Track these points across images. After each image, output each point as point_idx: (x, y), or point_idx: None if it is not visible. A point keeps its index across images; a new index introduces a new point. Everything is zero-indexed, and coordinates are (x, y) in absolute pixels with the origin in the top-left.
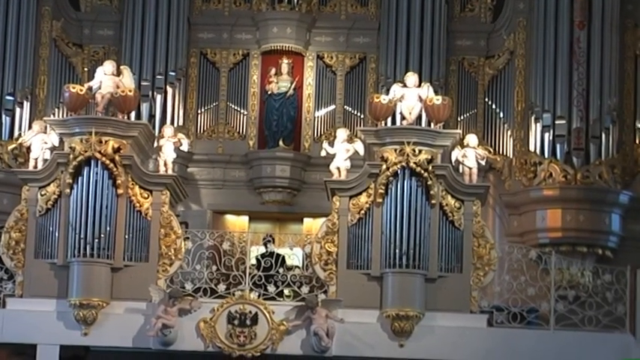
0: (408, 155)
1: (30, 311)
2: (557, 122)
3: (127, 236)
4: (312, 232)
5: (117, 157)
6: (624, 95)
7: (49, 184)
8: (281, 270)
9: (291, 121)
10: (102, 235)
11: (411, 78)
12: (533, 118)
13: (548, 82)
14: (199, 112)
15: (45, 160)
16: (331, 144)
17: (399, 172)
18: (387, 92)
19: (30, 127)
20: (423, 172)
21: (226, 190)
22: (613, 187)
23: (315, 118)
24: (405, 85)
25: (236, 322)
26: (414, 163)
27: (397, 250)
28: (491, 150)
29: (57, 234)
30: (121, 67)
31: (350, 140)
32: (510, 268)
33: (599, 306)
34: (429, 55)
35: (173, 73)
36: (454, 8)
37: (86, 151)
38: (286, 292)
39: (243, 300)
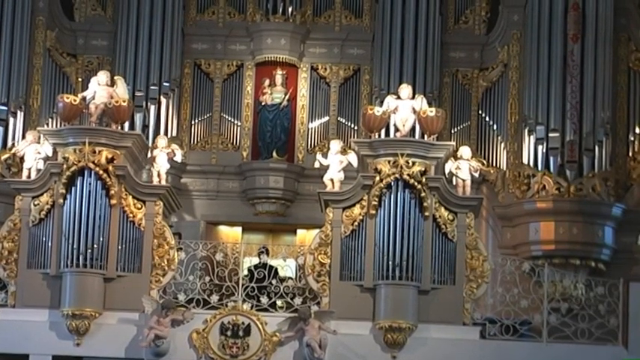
0: (401, 167)
1: (22, 321)
2: (550, 135)
3: (120, 247)
4: (306, 244)
5: (110, 168)
6: (617, 108)
7: (42, 194)
8: (274, 281)
9: (285, 133)
10: (95, 246)
11: (405, 90)
12: (526, 130)
13: (541, 95)
14: (193, 122)
15: (38, 170)
16: (325, 155)
17: (392, 183)
18: (381, 104)
19: (23, 137)
20: (416, 184)
21: (220, 201)
22: (606, 200)
23: (308, 129)
24: (398, 97)
25: (229, 333)
26: (408, 175)
27: (390, 262)
28: (485, 162)
29: (50, 244)
30: (115, 77)
31: (343, 152)
32: (503, 280)
33: (591, 318)
34: (422, 67)
35: (167, 84)
36: (448, 20)
37: (79, 161)
38: (279, 303)
39: (235, 311)
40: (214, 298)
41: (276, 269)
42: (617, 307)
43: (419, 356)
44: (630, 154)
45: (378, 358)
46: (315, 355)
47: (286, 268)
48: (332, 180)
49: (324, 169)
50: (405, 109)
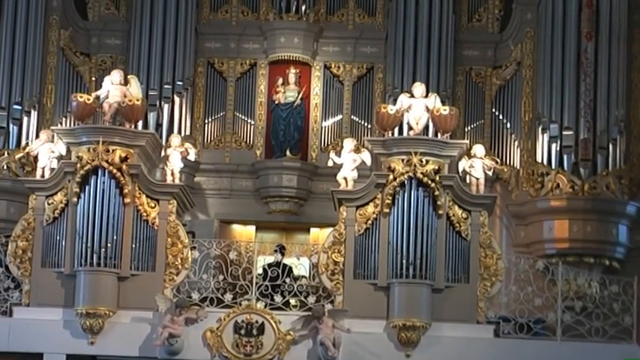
0: (415, 165)
1: (36, 320)
2: (564, 133)
3: (133, 245)
4: (319, 242)
5: (124, 167)
6: (631, 106)
7: (56, 193)
8: (288, 280)
9: (298, 131)
10: (109, 245)
11: (419, 88)
12: (540, 128)
13: (555, 93)
14: (206, 121)
15: (52, 169)
16: (338, 154)
17: (406, 182)
18: (394, 102)
19: (37, 136)
20: (430, 182)
21: (233, 199)
22: (620, 198)
23: (322, 127)
24: (412, 96)
25: (242, 331)
26: (421, 173)
27: (404, 261)
28: (499, 160)
29: (64, 243)
30: (129, 76)
31: (357, 150)
32: (517, 278)
33: (605, 317)
34: (436, 65)
35: (180, 83)
36: (462, 18)
37: (93, 160)
38: (293, 302)
39: (249, 310)
40: (228, 296)
41: (290, 268)
42: (631, 306)
43: (433, 355)
44: None
45: (392, 356)
46: (329, 353)
47: (300, 266)
48: (345, 178)
49: (338, 167)
50: (418, 107)
